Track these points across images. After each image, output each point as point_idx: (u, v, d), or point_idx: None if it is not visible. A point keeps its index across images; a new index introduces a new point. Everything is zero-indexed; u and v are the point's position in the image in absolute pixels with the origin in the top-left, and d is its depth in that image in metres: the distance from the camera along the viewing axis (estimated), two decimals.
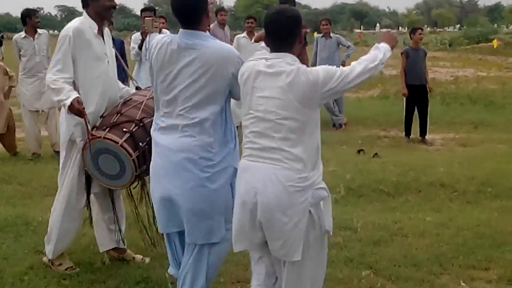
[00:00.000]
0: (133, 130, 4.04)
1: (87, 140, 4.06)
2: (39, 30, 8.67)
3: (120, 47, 9.09)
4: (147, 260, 4.71)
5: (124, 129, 4.03)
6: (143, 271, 4.46)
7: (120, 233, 4.67)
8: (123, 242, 4.70)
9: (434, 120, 11.73)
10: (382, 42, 3.38)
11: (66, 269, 4.43)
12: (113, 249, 4.68)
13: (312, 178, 3.15)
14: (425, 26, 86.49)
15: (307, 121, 3.14)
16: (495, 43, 36.72)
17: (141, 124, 4.08)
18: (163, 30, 8.40)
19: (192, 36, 3.45)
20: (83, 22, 4.23)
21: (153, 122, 3.63)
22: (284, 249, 3.16)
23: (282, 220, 3.09)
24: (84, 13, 4.29)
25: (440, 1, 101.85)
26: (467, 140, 10.03)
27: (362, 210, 6.06)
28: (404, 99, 10.20)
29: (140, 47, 8.31)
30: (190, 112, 3.41)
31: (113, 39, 9.16)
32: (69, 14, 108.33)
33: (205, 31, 3.54)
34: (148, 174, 3.98)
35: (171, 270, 3.87)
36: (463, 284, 4.28)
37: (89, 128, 4.08)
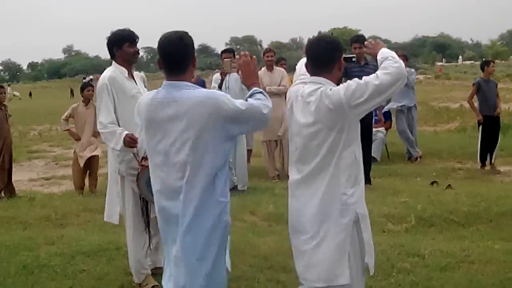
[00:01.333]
0: None
1: (139, 171, 4.50)
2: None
3: (202, 86, 9.69)
4: None
5: None
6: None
7: (156, 253, 5.13)
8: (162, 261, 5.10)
9: (510, 151, 11.68)
10: (379, 52, 3.56)
11: (152, 287, 4.83)
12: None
13: None
14: (510, 57, 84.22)
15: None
16: None
17: None
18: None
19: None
20: (114, 70, 4.78)
21: None
22: None
23: None
24: (113, 63, 4.82)
25: None
26: None
27: (432, 239, 6.18)
28: (480, 128, 10.28)
29: (220, 87, 8.80)
30: None
31: (193, 77, 9.83)
32: (155, 55, 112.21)
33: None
34: None
35: None
36: None
37: (138, 159, 4.55)
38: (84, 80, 38.83)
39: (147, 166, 4.40)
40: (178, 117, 3.32)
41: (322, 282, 3.53)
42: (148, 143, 3.54)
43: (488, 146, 10.20)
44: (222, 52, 9.48)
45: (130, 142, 4.52)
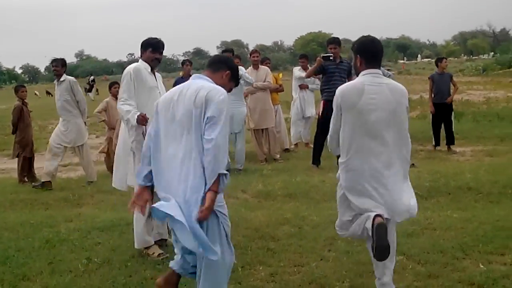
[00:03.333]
0: None
1: None
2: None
3: None
4: None
5: None
6: None
7: (161, 226, 5.15)
8: (167, 233, 5.17)
9: (465, 135, 11.74)
10: None
11: (158, 255, 4.84)
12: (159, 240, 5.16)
13: None
14: (462, 55, 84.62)
15: None
16: None
17: None
18: (240, 68, 8.87)
19: None
20: (140, 64, 5.04)
21: None
22: None
23: None
24: (140, 60, 5.11)
25: (475, 32, 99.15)
26: (493, 151, 9.94)
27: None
28: (431, 115, 10.54)
29: None
30: None
31: (190, 76, 9.75)
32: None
33: None
34: None
35: None
36: (481, 266, 4.39)
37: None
38: (90, 79, 39.71)
39: None
40: None
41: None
42: None
43: (439, 129, 10.42)
44: (223, 51, 9.50)
45: (142, 119, 4.72)
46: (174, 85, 9.95)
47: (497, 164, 8.46)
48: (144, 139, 4.51)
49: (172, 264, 3.80)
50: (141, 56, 5.15)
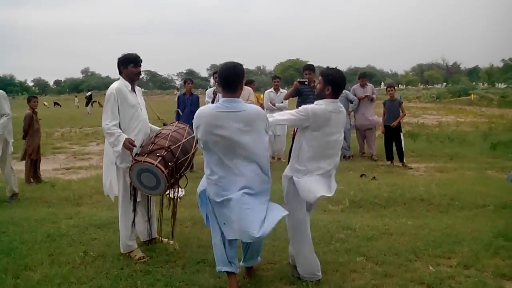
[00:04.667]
0: (164, 154, 4.44)
1: (132, 164, 4.44)
2: None
3: (196, 100, 9.94)
4: (171, 242, 5.05)
5: (158, 154, 4.42)
6: (201, 255, 4.75)
7: (151, 227, 5.07)
8: (156, 232, 5.13)
9: (419, 153, 11.84)
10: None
11: (139, 258, 4.66)
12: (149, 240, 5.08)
13: None
14: (419, 84, 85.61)
15: None
16: (472, 96, 36.37)
17: (169, 150, 4.48)
18: None
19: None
20: (120, 84, 4.66)
21: None
22: None
23: None
24: (121, 78, 4.73)
25: (431, 64, 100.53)
26: (443, 168, 10.01)
27: (361, 217, 6.21)
28: (384, 135, 10.73)
29: (212, 102, 8.85)
30: None
31: (191, 94, 9.81)
32: (152, 77, 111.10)
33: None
34: (177, 185, 4.73)
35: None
36: (431, 267, 4.40)
37: (133, 155, 4.50)
38: (87, 94, 38.51)
39: (138, 161, 4.38)
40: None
41: None
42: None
43: (391, 147, 10.54)
44: (214, 73, 9.51)
45: (129, 146, 4.48)
46: (178, 101, 9.98)
47: (446, 179, 8.54)
48: (131, 154, 4.49)
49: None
50: (120, 73, 4.75)
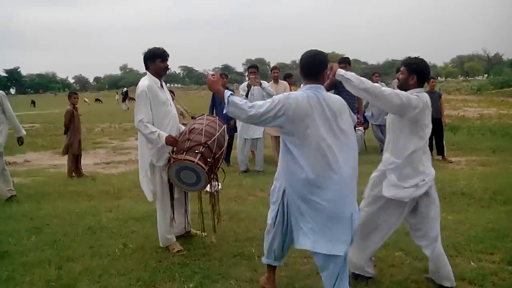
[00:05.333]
0: (202, 151, 4.41)
1: (171, 162, 4.41)
2: None
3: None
4: (205, 234, 5.10)
5: (196, 151, 4.39)
6: (238, 248, 4.77)
7: (186, 221, 5.09)
8: (190, 226, 5.15)
9: (460, 146, 11.56)
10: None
11: (177, 251, 4.70)
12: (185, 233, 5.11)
13: None
14: (459, 76, 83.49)
15: None
16: None
17: (206, 145, 4.45)
18: (263, 82, 8.85)
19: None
20: (149, 80, 4.58)
21: None
22: None
23: None
24: (148, 73, 4.65)
25: (471, 55, 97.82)
26: (485, 162, 9.73)
27: None
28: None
29: (246, 95, 8.80)
30: None
31: (227, 88, 9.81)
32: (189, 72, 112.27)
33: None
34: (216, 180, 4.66)
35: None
36: (472, 263, 4.29)
37: (170, 153, 4.48)
38: (123, 91, 38.33)
39: (178, 159, 4.38)
40: None
41: None
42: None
43: (431, 140, 9.97)
44: (249, 67, 9.41)
45: (173, 142, 4.47)
46: (213, 97, 9.98)
47: (488, 173, 8.29)
48: (170, 153, 4.48)
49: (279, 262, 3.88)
50: (147, 69, 4.67)
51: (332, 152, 3.24)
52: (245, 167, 9.12)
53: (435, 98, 10.23)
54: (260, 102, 3.37)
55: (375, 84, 3.68)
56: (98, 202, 6.99)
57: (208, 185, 4.93)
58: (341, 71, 3.64)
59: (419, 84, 3.79)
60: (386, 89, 3.61)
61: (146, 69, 4.71)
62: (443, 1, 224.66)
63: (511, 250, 4.58)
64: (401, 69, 3.83)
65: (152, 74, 4.66)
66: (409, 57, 4.01)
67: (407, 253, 4.58)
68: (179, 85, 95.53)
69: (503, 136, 13.10)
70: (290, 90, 10.07)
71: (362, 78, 3.66)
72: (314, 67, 3.38)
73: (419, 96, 3.66)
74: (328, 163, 3.24)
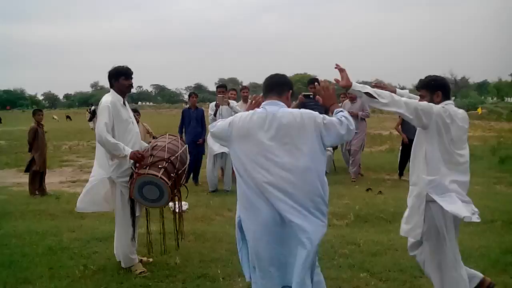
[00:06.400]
0: (166, 166, 4.42)
1: (134, 177, 4.36)
2: None
3: (202, 114, 9.91)
4: (151, 260, 4.95)
5: (159, 166, 4.39)
6: (202, 269, 4.69)
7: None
8: None
9: None
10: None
11: (140, 273, 4.58)
12: None
13: None
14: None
15: None
16: (479, 110, 36.21)
17: (169, 161, 4.47)
18: (231, 101, 8.86)
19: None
20: (113, 97, 4.54)
21: None
22: None
23: None
24: (112, 91, 4.60)
25: None
26: None
27: (366, 232, 6.12)
28: (400, 148, 10.43)
29: (215, 114, 8.76)
30: None
31: (197, 108, 9.70)
32: (161, 90, 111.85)
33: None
34: (179, 198, 4.63)
35: None
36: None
37: (133, 168, 4.43)
38: (91, 109, 37.26)
39: (142, 174, 4.33)
40: None
41: None
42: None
43: (406, 162, 10.11)
44: (217, 87, 9.36)
45: (139, 157, 4.39)
46: (182, 115, 9.93)
47: None
48: (132, 168, 4.42)
49: None
50: (111, 86, 4.61)
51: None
52: (214, 187, 9.04)
53: None
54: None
55: (393, 94, 3.53)
56: (61, 221, 6.80)
57: (175, 205, 4.88)
58: (357, 86, 3.50)
59: (445, 98, 3.67)
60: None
61: (111, 86, 4.67)
62: (411, 25, 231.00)
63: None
64: (421, 93, 3.74)
65: (116, 92, 4.62)
66: (420, 80, 3.89)
67: (372, 274, 4.57)
68: (151, 103, 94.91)
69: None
70: None
71: (379, 91, 3.50)
72: (272, 83, 3.23)
73: (445, 107, 3.54)
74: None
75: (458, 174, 3.54)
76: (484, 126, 27.81)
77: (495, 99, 68.57)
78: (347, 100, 10.60)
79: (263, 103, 3.17)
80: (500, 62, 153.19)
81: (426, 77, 3.79)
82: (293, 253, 2.91)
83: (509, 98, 67.35)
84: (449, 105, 3.59)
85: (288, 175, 2.91)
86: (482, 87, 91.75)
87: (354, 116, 9.50)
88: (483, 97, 69.91)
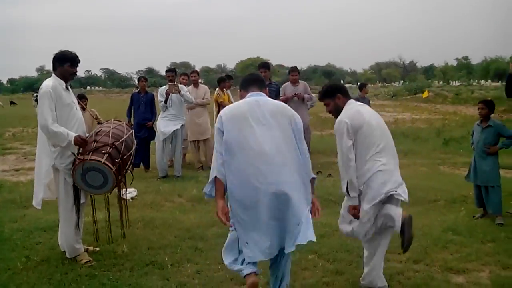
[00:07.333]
0: (109, 151, 4.34)
1: (76, 163, 4.25)
2: None
3: (151, 98, 9.65)
4: (97, 249, 4.86)
5: (103, 151, 4.31)
6: (150, 257, 4.63)
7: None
8: None
9: None
10: None
11: (85, 262, 4.49)
12: None
13: None
14: (377, 82, 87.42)
15: None
16: (425, 94, 37.36)
17: (113, 146, 4.39)
18: (182, 87, 8.77)
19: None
20: (54, 81, 4.38)
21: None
22: None
23: None
24: (53, 75, 4.45)
25: (388, 63, 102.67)
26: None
27: (315, 214, 6.20)
28: None
29: (165, 101, 8.68)
30: None
31: (146, 92, 9.51)
32: (111, 75, 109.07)
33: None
34: (124, 182, 4.57)
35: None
36: None
37: (76, 154, 4.30)
38: (35, 94, 36.10)
39: (84, 159, 4.21)
40: None
41: None
42: None
43: None
44: (167, 71, 9.21)
45: (81, 142, 4.28)
46: (131, 99, 9.74)
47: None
48: (74, 154, 4.30)
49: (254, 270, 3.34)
50: (54, 70, 4.47)
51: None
52: (164, 173, 8.92)
53: (366, 103, 10.65)
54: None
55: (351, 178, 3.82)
56: (2, 212, 6.51)
57: (119, 191, 4.78)
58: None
59: (346, 98, 4.00)
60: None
61: (53, 70, 4.50)
62: (361, 12, 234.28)
63: (417, 250, 4.79)
64: (325, 102, 4.05)
65: (58, 76, 4.45)
66: (319, 92, 4.22)
67: (319, 256, 4.66)
68: (100, 88, 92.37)
69: (414, 139, 13.81)
70: (223, 94, 9.85)
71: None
72: (253, 79, 3.61)
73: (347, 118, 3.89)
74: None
75: None
76: (430, 109, 28.74)
77: (441, 82, 70.98)
78: (289, 83, 9.79)
79: (249, 94, 3.49)
80: (446, 46, 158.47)
81: (323, 88, 4.10)
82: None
83: (454, 82, 69.84)
84: (351, 105, 3.92)
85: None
86: (429, 71, 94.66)
87: (300, 98, 9.33)
88: (429, 81, 72.13)
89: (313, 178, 3.47)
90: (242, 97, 3.54)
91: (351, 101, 3.97)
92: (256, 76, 3.71)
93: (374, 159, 3.77)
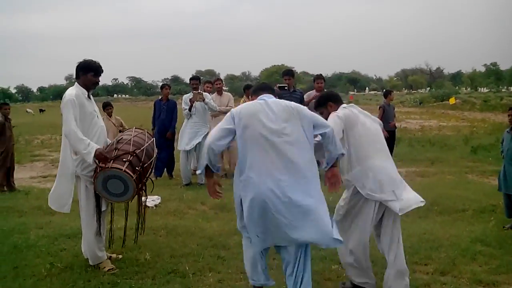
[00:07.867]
0: (130, 159, 4.31)
1: (97, 171, 4.24)
2: None
3: (173, 106, 9.73)
4: (120, 256, 4.87)
5: (124, 159, 4.29)
6: (172, 265, 4.61)
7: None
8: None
9: (401, 157, 11.81)
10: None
11: (108, 270, 4.49)
12: None
13: None
14: (403, 88, 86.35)
15: None
16: (451, 100, 36.71)
17: (134, 154, 4.37)
18: (206, 95, 8.79)
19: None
20: (77, 90, 4.38)
21: None
22: None
23: None
24: (76, 84, 4.46)
25: (414, 69, 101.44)
26: (424, 172, 10.00)
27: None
28: None
29: (189, 109, 8.73)
30: None
31: (168, 100, 9.58)
32: (137, 83, 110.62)
33: None
34: (144, 190, 4.55)
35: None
36: None
37: (96, 162, 4.28)
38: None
39: (105, 167, 4.22)
40: None
41: None
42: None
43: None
44: (191, 79, 9.26)
45: (103, 159, 4.23)
46: (154, 106, 9.83)
47: (426, 184, 8.50)
48: (96, 162, 4.27)
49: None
50: (77, 79, 4.49)
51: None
52: (187, 181, 8.94)
53: (391, 110, 10.97)
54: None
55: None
56: (29, 218, 6.62)
57: (144, 199, 4.78)
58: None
59: (337, 104, 4.09)
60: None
61: (76, 78, 4.53)
62: (387, 18, 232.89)
63: (445, 261, 4.67)
64: (319, 111, 4.11)
65: (81, 85, 4.47)
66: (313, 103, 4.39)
67: (343, 266, 4.55)
68: (127, 96, 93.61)
69: (441, 147, 13.56)
70: (243, 101, 9.88)
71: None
72: (263, 87, 3.90)
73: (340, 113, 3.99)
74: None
75: None
76: (457, 116, 28.24)
77: (469, 89, 69.76)
78: (313, 91, 9.30)
79: (260, 96, 3.71)
80: (474, 53, 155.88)
81: (317, 99, 4.30)
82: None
83: (482, 89, 68.54)
84: (345, 107, 4.03)
85: None
86: (457, 77, 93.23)
87: None
88: (457, 87, 71.02)
89: (342, 154, 3.65)
90: None
91: (344, 105, 4.10)
92: (267, 84, 4.00)
93: (369, 158, 3.83)
